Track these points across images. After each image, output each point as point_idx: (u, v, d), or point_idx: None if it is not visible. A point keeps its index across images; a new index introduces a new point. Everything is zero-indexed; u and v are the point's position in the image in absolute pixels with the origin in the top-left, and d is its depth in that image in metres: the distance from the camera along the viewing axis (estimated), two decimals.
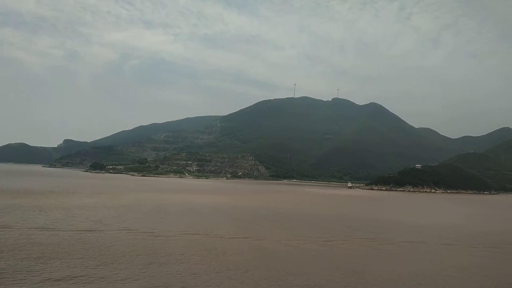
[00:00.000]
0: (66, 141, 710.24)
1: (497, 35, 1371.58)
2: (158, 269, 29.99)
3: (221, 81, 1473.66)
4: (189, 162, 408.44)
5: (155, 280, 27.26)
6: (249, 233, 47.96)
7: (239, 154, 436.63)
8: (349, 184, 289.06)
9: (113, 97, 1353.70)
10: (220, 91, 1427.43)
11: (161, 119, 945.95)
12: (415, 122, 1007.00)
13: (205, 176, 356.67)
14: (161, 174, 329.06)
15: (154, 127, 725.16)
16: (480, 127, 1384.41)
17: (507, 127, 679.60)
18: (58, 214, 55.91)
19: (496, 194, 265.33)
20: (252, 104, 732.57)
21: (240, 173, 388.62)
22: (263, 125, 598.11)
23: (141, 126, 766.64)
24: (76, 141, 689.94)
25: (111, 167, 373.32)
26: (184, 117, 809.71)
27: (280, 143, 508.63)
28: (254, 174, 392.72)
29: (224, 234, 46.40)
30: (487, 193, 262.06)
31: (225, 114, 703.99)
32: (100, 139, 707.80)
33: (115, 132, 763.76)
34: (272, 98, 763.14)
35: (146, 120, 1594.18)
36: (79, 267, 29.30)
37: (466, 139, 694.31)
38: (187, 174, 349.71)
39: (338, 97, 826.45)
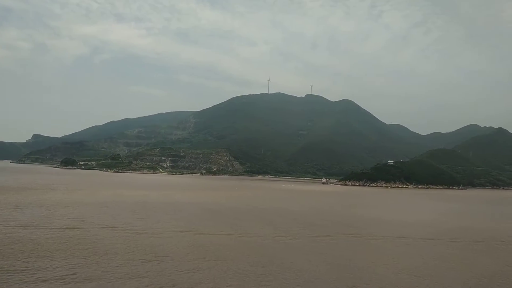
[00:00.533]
0: (35, 136, 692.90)
1: (465, 35, 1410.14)
2: (144, 266, 29.59)
3: (194, 76, 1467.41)
4: (162, 158, 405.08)
5: (149, 280, 26.88)
6: (234, 229, 47.90)
7: (214, 150, 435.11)
8: (324, 180, 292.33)
9: (83, 91, 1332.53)
10: (193, 86, 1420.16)
11: (133, 114, 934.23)
12: (387, 118, 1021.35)
13: (179, 172, 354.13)
14: (135, 170, 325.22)
15: (127, 122, 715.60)
16: (449, 124, 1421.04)
17: (475, 124, 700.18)
18: (35, 211, 54.45)
19: (464, 189, 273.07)
20: (226, 100, 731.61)
21: (215, 169, 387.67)
22: (237, 121, 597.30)
23: (113, 121, 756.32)
24: (46, 136, 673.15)
25: (83, 163, 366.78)
26: (157, 112, 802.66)
27: (254, 139, 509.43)
28: (229, 170, 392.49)
29: (208, 231, 46.15)
30: (456, 188, 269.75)
31: (198, 110, 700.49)
32: (70, 135, 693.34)
33: (86, 127, 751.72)
34: (246, 94, 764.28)
35: (118, 115, 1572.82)
36: (64, 266, 28.58)
37: (435, 136, 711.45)
38: (161, 170, 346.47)
39: (312, 93, 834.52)
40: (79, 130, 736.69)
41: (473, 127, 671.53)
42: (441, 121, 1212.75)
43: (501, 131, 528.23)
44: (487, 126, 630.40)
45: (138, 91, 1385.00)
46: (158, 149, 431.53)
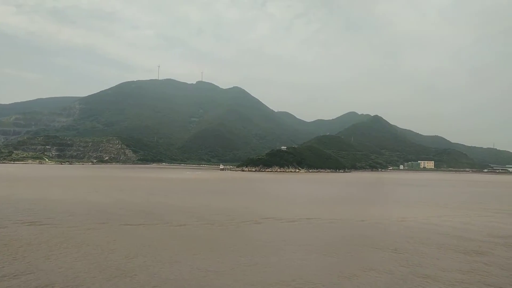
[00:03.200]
0: None
1: (341, 27, 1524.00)
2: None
3: (74, 59, 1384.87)
4: (47, 146, 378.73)
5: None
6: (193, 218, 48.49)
7: (104, 137, 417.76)
8: (221, 166, 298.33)
9: None
10: (73, 70, 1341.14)
11: (7, 100, 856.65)
12: (274, 106, 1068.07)
13: (68, 161, 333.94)
14: (18, 160, 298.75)
15: (0, 109, 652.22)
16: (330, 111, 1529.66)
17: (353, 112, 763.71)
18: None
19: (349, 172, 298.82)
20: (114, 85, 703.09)
21: (107, 158, 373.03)
22: (127, 108, 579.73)
23: None
24: None
25: None
26: (35, 98, 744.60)
27: (146, 126, 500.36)
28: (121, 158, 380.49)
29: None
30: (342, 171, 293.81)
31: (84, 96, 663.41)
32: None
33: None
34: (135, 80, 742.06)
35: None
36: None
37: (319, 122, 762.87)
38: (47, 160, 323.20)
39: (203, 80, 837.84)
40: None
41: (352, 115, 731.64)
42: (323, 109, 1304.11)
43: (376, 118, 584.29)
44: (364, 113, 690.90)
45: (10, 74, 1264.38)
46: (41, 138, 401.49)
